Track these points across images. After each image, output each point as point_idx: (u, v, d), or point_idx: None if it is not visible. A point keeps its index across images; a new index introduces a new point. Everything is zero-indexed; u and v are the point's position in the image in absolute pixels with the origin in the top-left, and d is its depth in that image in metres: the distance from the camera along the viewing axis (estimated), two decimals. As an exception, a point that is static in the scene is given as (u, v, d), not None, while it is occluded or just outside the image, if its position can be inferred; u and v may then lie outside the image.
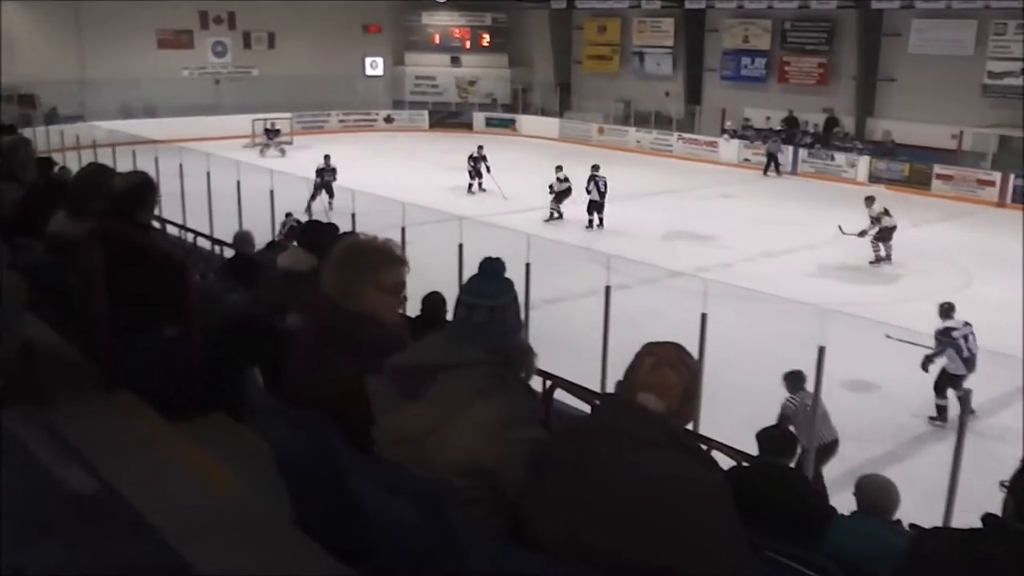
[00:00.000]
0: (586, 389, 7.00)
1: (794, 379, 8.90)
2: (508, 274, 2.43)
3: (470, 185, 24.65)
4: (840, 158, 28.37)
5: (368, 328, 2.54)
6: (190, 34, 35.14)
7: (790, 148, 29.47)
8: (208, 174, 19.66)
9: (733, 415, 8.27)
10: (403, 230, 13.50)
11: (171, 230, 13.02)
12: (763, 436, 6.13)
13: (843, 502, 5.48)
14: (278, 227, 14.82)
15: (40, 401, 3.14)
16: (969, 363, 10.58)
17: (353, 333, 2.53)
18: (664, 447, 1.94)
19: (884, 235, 17.47)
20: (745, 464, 5.97)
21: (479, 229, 13.86)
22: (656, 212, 22.30)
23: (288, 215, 15.26)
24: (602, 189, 20.60)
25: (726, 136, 31.27)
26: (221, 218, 16.12)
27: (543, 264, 12.70)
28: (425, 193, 22.17)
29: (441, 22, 38.95)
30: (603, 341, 10.09)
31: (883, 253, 17.52)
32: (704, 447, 5.85)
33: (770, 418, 8.38)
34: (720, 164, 30.62)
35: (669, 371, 2.10)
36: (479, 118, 37.75)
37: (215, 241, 13.36)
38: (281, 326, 4.00)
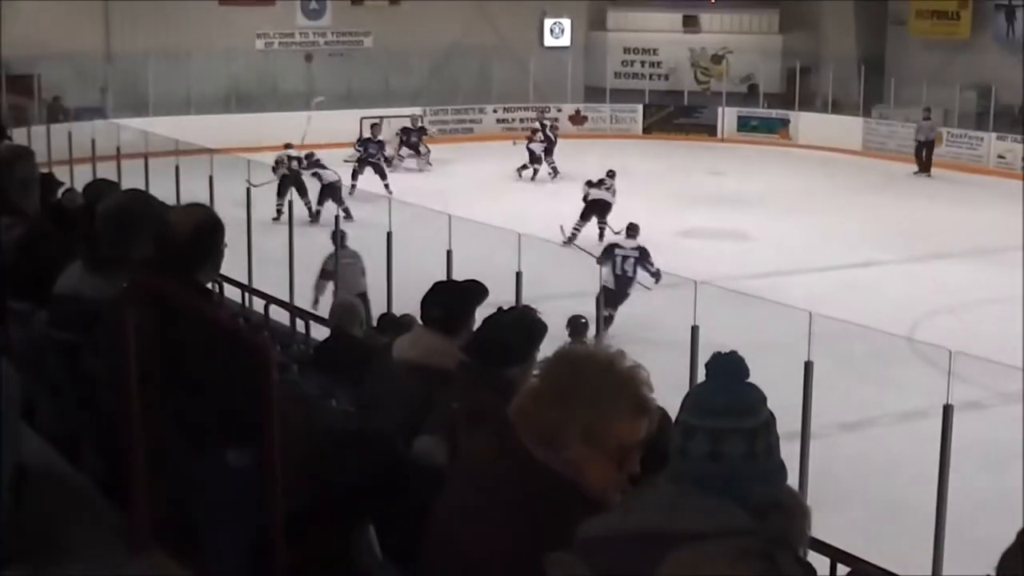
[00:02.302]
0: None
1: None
2: (774, 379, 2.46)
3: (523, 167, 30.50)
4: None
5: (564, 496, 2.60)
6: (269, -17, 37.18)
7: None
8: (290, 204, 20.51)
9: None
10: (597, 299, 13.61)
11: (230, 292, 13.55)
12: None
13: None
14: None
15: (43, 560, 3.32)
16: (619, 281, 17.56)
17: (542, 498, 2.60)
18: None
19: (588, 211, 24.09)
20: None
21: (725, 299, 13.79)
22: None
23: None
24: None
25: None
26: (308, 276, 16.67)
27: (836, 362, 12.49)
28: (646, 239, 22.21)
29: (669, -40, 39.70)
30: (937, 499, 9.79)
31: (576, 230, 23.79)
32: None
33: None
34: None
35: None
36: (728, 116, 37.93)
37: (298, 313, 13.81)
38: (410, 456, 4.11)
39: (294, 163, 25.31)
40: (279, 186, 24.23)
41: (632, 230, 18.68)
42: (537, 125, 32.42)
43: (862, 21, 37.86)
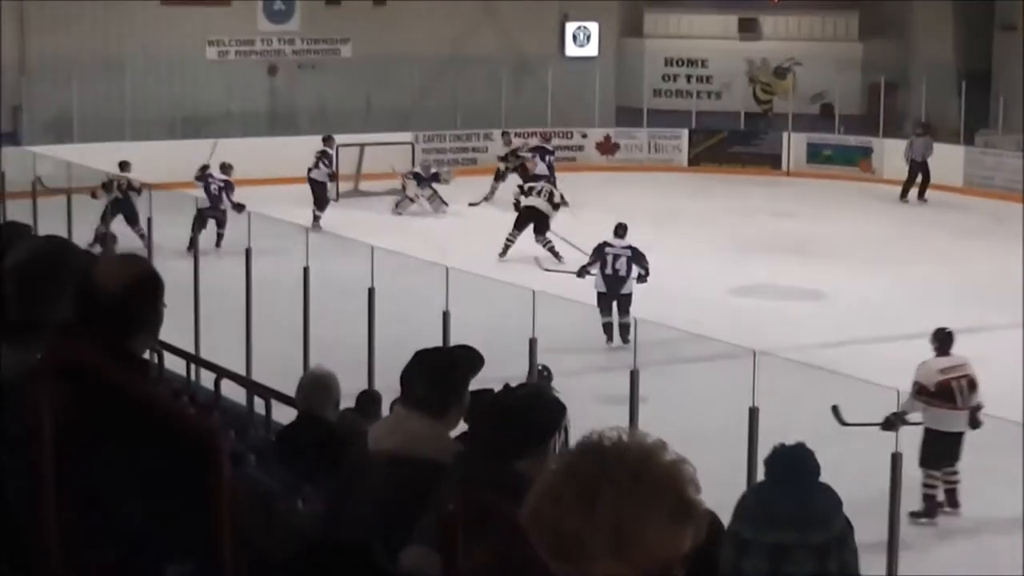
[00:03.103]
0: None
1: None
2: (853, 475, 2.46)
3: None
4: None
5: None
6: (223, -21, 37.52)
7: None
8: (247, 252, 20.60)
9: None
10: (632, 374, 13.62)
11: (171, 363, 13.62)
12: None
13: None
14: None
15: None
16: (610, 281, 20.44)
17: None
18: None
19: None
20: None
21: (791, 374, 13.81)
22: None
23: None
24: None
25: None
26: (267, 342, 16.76)
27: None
28: (692, 299, 22.28)
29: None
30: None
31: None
32: None
33: None
34: None
35: None
36: (796, 144, 38.10)
37: (255, 389, 13.86)
38: (395, 570, 4.12)
39: (124, 186, 25.69)
40: (105, 211, 24.55)
41: (620, 229, 21.47)
42: (535, 144, 34.23)
43: (962, 26, 37.95)
